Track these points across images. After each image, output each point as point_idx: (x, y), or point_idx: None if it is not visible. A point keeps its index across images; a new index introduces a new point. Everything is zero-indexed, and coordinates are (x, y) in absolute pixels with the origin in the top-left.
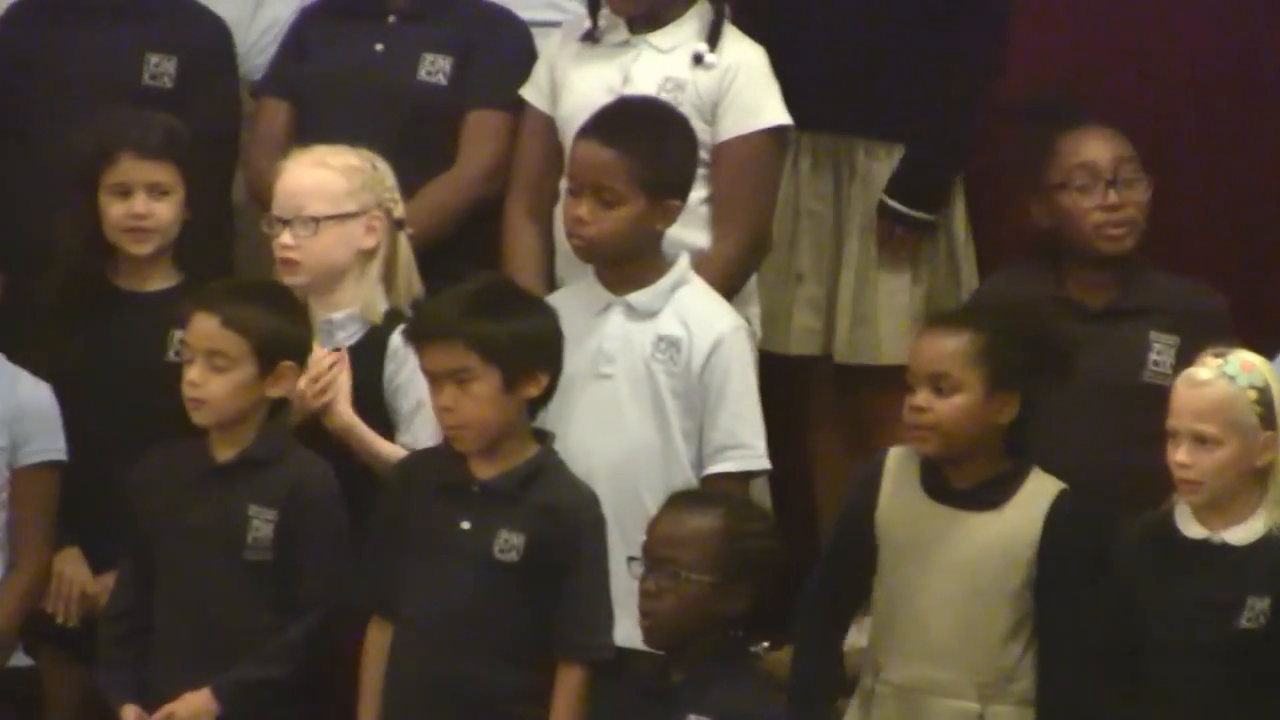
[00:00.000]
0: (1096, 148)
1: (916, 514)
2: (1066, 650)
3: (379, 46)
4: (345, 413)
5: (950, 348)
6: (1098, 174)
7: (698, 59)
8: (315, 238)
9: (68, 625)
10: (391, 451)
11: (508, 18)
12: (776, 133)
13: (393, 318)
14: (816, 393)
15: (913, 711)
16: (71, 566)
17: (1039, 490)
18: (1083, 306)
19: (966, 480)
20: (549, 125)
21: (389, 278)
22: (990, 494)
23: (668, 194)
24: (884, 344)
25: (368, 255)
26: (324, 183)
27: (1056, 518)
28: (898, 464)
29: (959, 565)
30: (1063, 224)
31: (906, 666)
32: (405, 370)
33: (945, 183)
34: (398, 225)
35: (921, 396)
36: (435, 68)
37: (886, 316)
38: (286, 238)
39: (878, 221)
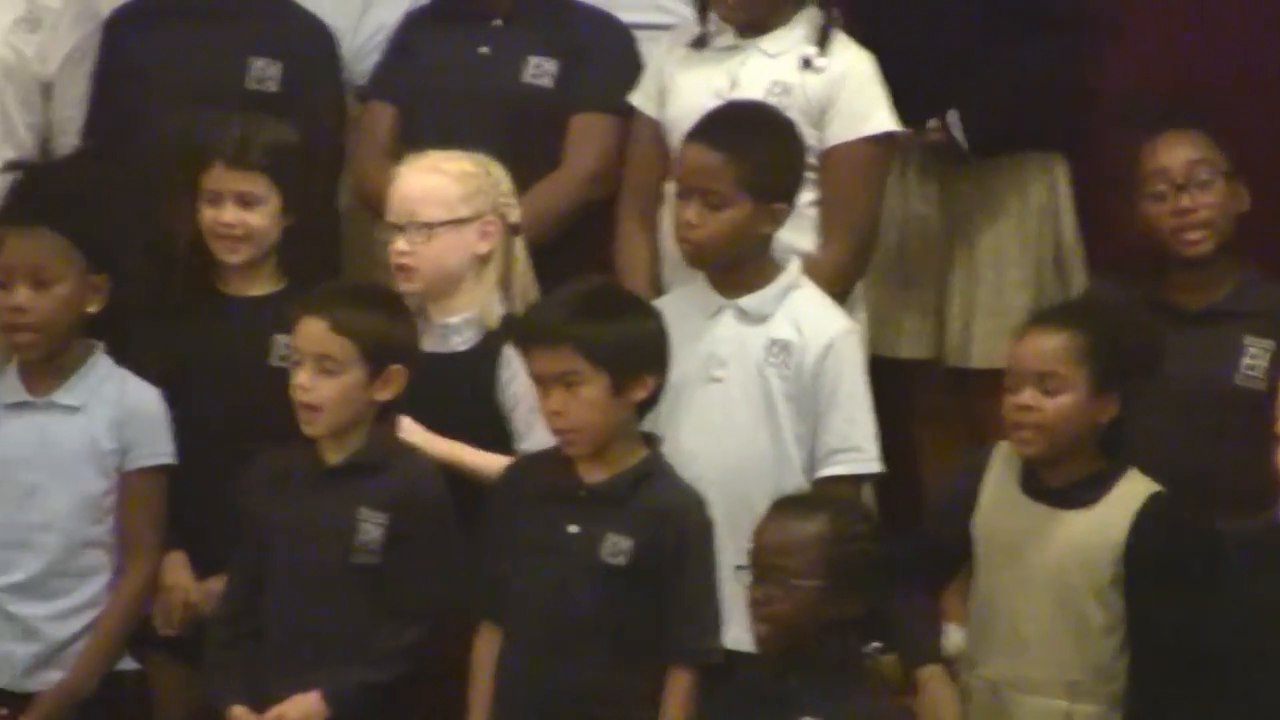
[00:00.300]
0: (1169, 154)
1: (1013, 511)
2: (1153, 652)
3: (483, 49)
4: (439, 449)
5: (1056, 346)
6: (1170, 180)
7: (806, 62)
8: (429, 244)
9: (170, 635)
10: (494, 464)
11: (612, 21)
12: (884, 139)
13: (508, 323)
14: (925, 396)
15: (1002, 707)
16: (174, 574)
17: (1132, 491)
18: (1178, 309)
19: (1061, 479)
20: (657, 129)
21: (505, 282)
22: (1084, 492)
23: (773, 197)
24: (994, 347)
25: (484, 260)
26: (438, 188)
27: (1145, 519)
28: (1003, 459)
29: (1049, 563)
30: (1147, 229)
31: (998, 663)
32: (521, 377)
33: (996, 130)
34: (513, 230)
35: (1028, 395)
36: (540, 70)
37: (996, 320)
38: (401, 244)
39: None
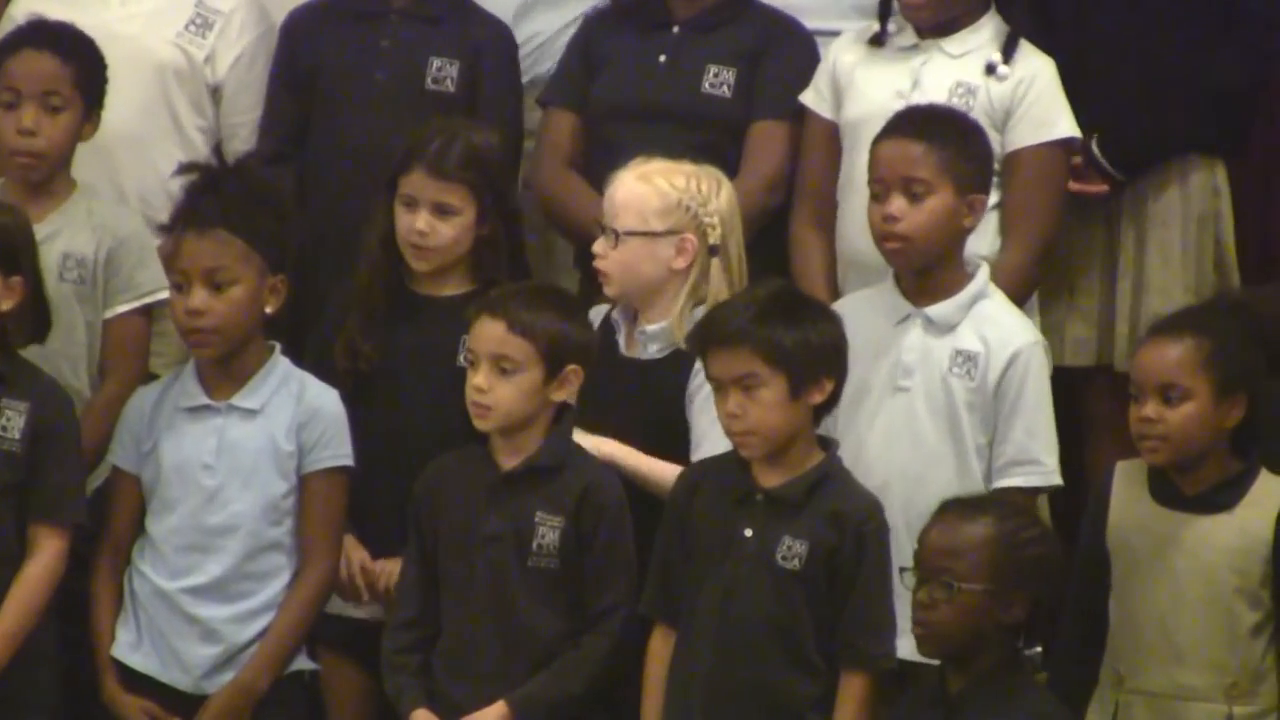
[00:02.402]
0: None
1: (1148, 522)
2: None
3: (662, 58)
4: (607, 451)
5: (1176, 356)
6: None
7: (990, 69)
8: (618, 250)
9: (358, 603)
10: (664, 472)
11: (794, 28)
12: (1066, 145)
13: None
14: (1094, 403)
15: (1166, 718)
16: (347, 548)
17: (1269, 491)
18: None
19: (1197, 485)
20: (831, 131)
21: (701, 300)
22: (1221, 496)
23: (974, 187)
24: None
25: (681, 275)
26: (638, 198)
27: None
28: (1125, 476)
29: (1195, 569)
30: None
31: (1154, 673)
32: (707, 388)
33: (1141, 152)
34: (711, 251)
35: (1150, 407)
36: (719, 80)
37: None
38: (597, 246)
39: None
